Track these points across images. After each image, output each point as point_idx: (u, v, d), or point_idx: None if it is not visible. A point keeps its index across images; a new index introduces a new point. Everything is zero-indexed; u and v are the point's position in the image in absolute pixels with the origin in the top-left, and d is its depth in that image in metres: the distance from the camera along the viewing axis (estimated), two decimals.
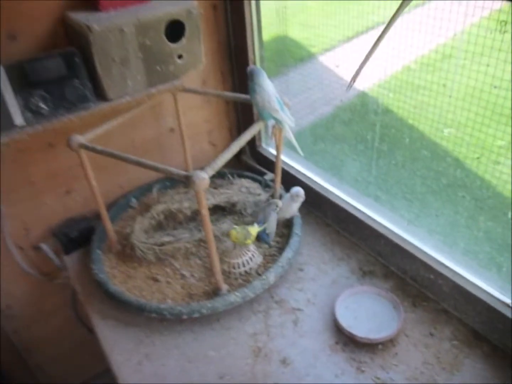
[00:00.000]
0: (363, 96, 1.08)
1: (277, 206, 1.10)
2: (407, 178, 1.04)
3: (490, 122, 0.78)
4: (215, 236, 1.09)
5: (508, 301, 0.84)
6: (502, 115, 0.76)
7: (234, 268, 1.04)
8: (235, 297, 0.96)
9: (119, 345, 0.95)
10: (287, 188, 1.19)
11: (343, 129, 1.21)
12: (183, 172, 0.83)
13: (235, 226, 1.04)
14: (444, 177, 0.95)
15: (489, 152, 0.83)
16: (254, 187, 1.28)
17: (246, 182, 1.28)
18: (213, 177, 0.89)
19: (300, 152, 1.02)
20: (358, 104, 1.11)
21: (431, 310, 0.96)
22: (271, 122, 1.03)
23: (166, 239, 1.11)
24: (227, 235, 1.07)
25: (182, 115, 1.23)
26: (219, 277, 0.97)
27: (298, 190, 1.10)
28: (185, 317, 0.94)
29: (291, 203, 1.11)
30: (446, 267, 0.92)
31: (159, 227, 1.18)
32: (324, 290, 1.04)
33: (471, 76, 0.77)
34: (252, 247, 1.08)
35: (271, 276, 1.00)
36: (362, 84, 1.05)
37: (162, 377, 0.88)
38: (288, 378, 0.86)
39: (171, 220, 1.19)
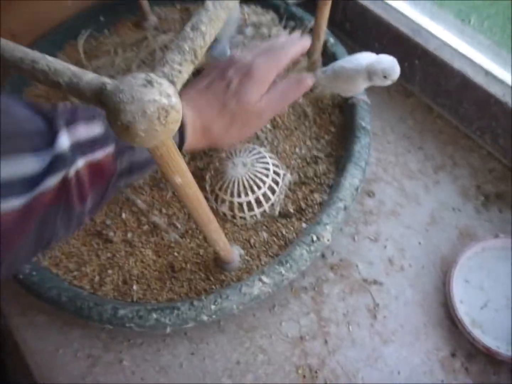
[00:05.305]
0: None
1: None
2: None
3: None
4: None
5: None
6: None
7: (242, 210, 0.55)
8: (261, 285, 0.49)
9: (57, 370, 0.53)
10: (343, 30, 0.60)
11: None
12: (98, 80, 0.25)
13: None
14: None
15: None
16: (267, 21, 0.67)
17: (252, 14, 0.66)
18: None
19: None
20: None
21: None
22: None
23: None
24: None
25: None
26: (225, 250, 0.49)
27: (391, 65, 0.48)
28: (168, 330, 0.49)
29: (360, 79, 0.53)
30: None
31: None
32: (417, 239, 0.57)
33: None
34: (269, 159, 0.56)
35: (325, 233, 0.51)
36: None
37: None
38: None
39: None
